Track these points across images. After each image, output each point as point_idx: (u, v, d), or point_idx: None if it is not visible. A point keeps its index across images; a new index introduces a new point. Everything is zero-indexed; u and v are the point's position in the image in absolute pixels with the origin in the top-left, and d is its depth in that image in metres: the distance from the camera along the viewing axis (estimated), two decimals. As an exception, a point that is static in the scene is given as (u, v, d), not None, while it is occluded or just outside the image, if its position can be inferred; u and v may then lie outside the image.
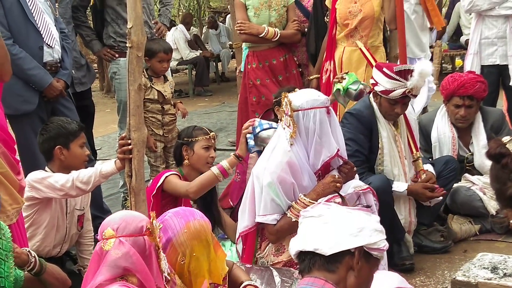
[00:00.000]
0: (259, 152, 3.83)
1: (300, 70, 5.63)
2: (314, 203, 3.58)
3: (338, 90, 4.46)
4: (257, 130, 3.83)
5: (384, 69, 4.20)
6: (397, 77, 4.12)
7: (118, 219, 2.47)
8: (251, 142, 3.82)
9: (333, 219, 2.22)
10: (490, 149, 2.40)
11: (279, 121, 4.45)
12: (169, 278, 2.55)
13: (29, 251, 2.94)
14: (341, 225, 2.20)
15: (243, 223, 3.76)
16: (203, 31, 14.73)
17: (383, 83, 4.18)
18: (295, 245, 2.25)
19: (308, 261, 2.20)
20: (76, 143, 3.97)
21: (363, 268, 2.18)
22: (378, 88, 4.22)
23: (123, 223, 2.44)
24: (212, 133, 4.11)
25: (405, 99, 4.19)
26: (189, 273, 2.73)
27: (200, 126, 4.19)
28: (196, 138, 4.06)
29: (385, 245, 2.22)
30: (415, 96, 4.23)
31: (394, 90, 4.13)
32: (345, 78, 4.43)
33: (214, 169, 3.79)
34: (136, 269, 2.38)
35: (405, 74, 4.11)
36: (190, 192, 3.82)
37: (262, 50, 5.40)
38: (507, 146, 2.36)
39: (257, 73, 5.36)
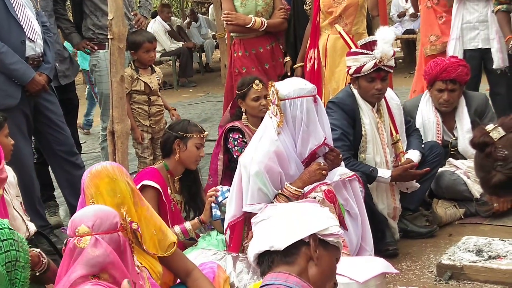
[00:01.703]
0: (223, 220, 3.87)
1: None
2: (300, 191, 3.61)
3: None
4: (220, 199, 3.94)
5: (351, 50, 4.28)
6: (363, 51, 4.16)
7: (91, 215, 2.44)
8: (217, 213, 3.92)
9: (282, 216, 2.22)
10: (474, 138, 2.41)
11: (243, 114, 4.51)
12: (138, 271, 2.55)
13: (39, 252, 2.90)
14: (290, 219, 2.20)
15: (231, 212, 3.77)
16: (183, 24, 14.68)
17: (353, 62, 4.22)
18: (252, 250, 2.24)
19: (267, 260, 2.19)
20: (1, 134, 3.89)
21: (322, 256, 2.17)
22: (351, 71, 4.25)
23: (98, 220, 2.41)
24: (206, 133, 4.11)
25: (380, 72, 4.20)
26: None
27: (194, 123, 4.16)
28: (191, 135, 4.04)
29: (339, 230, 2.22)
30: (391, 68, 4.24)
31: (365, 65, 4.16)
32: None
33: (177, 228, 3.83)
34: (114, 267, 2.36)
35: (370, 45, 4.15)
36: None
37: (249, 38, 5.39)
38: (490, 134, 2.37)
39: (243, 61, 5.35)
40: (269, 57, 5.41)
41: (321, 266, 2.17)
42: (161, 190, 3.86)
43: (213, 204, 3.93)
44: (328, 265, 2.20)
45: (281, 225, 2.19)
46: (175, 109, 5.69)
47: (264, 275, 2.20)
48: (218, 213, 3.93)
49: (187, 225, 3.89)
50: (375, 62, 4.14)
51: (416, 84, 5.82)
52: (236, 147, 4.51)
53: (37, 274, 2.87)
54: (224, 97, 5.64)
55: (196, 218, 3.97)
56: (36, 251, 2.90)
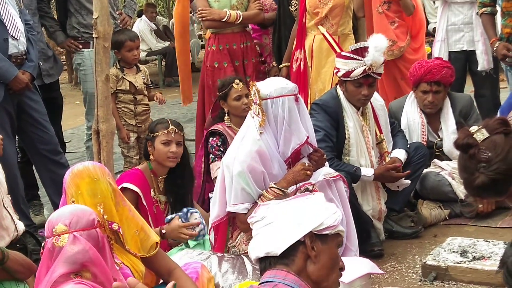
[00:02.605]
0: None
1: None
2: (284, 191, 3.60)
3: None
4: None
5: (342, 53, 4.27)
6: (354, 56, 4.15)
7: (68, 213, 2.44)
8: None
9: (274, 217, 2.21)
10: (458, 139, 2.41)
11: (226, 115, 4.49)
12: (117, 268, 2.55)
13: None
14: (282, 221, 2.19)
15: (215, 213, 3.77)
16: (169, 24, 14.64)
17: (343, 66, 4.22)
18: (251, 253, 2.26)
19: (265, 263, 2.20)
20: None
21: (321, 251, 2.17)
22: (340, 74, 4.25)
23: (75, 218, 2.42)
24: (171, 127, 4.01)
25: (368, 79, 4.20)
26: None
27: (166, 119, 4.11)
28: (157, 133, 4.00)
29: (335, 219, 2.20)
30: (379, 74, 4.24)
31: (354, 70, 4.15)
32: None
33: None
34: (93, 263, 2.36)
35: (361, 51, 4.15)
36: None
37: (225, 33, 5.34)
38: (474, 136, 2.37)
39: (216, 56, 5.31)
40: (241, 55, 5.35)
41: (320, 261, 2.17)
42: (140, 194, 3.83)
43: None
44: (329, 258, 2.19)
45: (275, 228, 2.19)
46: (160, 93, 5.68)
47: (263, 273, 2.21)
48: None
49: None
50: (365, 68, 4.14)
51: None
52: (211, 155, 4.47)
53: None
54: (199, 92, 5.55)
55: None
56: None
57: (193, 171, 4.24)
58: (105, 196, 2.80)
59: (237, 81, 4.55)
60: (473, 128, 2.39)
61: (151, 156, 3.99)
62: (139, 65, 5.52)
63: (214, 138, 4.46)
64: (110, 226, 2.74)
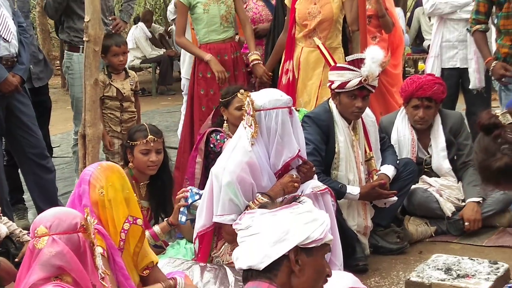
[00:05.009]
0: (192, 221, 3.88)
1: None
2: (272, 199, 3.57)
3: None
4: (190, 201, 3.91)
5: (338, 64, 4.27)
6: (350, 67, 4.15)
7: (51, 216, 2.43)
8: (182, 218, 3.89)
9: (259, 229, 2.18)
10: (482, 119, 2.38)
11: (224, 122, 4.48)
12: (103, 275, 2.52)
13: None
14: (267, 234, 2.15)
15: (201, 222, 3.74)
16: (166, 32, 14.63)
17: (338, 77, 4.20)
18: (236, 262, 2.24)
19: (247, 274, 2.18)
20: None
21: (306, 264, 2.13)
22: (334, 86, 4.23)
23: (56, 221, 2.40)
24: (150, 137, 3.98)
25: (363, 91, 4.19)
26: (110, 204, 2.87)
27: (145, 126, 4.08)
28: (136, 142, 3.97)
29: (322, 231, 2.16)
30: (373, 87, 4.24)
31: (350, 81, 4.15)
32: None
33: (146, 233, 3.76)
34: (70, 267, 2.34)
35: (358, 62, 4.14)
36: None
37: (216, 43, 5.33)
38: (499, 118, 2.35)
39: (208, 66, 5.30)
40: (232, 65, 5.34)
41: (305, 275, 2.14)
42: None
43: (181, 209, 3.88)
44: (314, 270, 2.17)
45: (259, 241, 2.15)
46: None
47: (245, 282, 2.19)
48: (184, 218, 3.88)
49: (156, 228, 3.85)
50: (361, 79, 4.13)
51: None
52: (218, 140, 4.43)
53: None
54: (188, 100, 5.53)
55: (165, 220, 3.92)
56: None
57: (172, 175, 4.23)
58: (131, 191, 2.96)
59: (242, 90, 4.55)
60: (498, 111, 2.37)
61: (130, 164, 3.97)
62: (128, 70, 5.50)
63: (218, 134, 4.45)
64: (135, 222, 2.90)
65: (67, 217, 2.43)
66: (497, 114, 2.35)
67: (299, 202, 2.29)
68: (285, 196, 3.60)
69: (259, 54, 5.38)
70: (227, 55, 5.32)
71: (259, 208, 2.30)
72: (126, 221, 2.89)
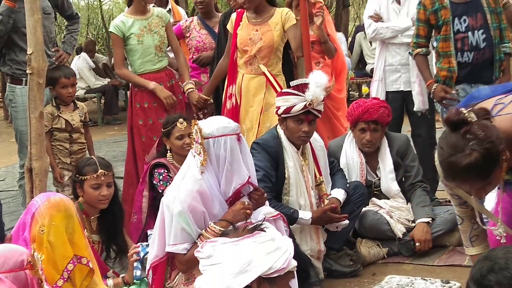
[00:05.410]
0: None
1: None
2: (232, 226, 3.54)
3: None
4: (142, 254, 3.85)
5: (282, 90, 4.34)
6: (295, 92, 4.20)
7: None
8: (137, 273, 3.82)
9: (221, 259, 2.16)
10: (450, 116, 2.40)
11: (168, 152, 4.47)
12: None
13: None
14: (229, 265, 2.14)
15: (153, 253, 3.68)
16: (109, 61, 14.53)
17: (283, 102, 4.25)
18: None
19: None
20: None
21: None
22: (280, 111, 4.27)
23: (2, 258, 2.35)
24: (100, 171, 3.91)
25: (309, 115, 4.23)
26: (49, 244, 2.80)
27: (94, 160, 4.00)
28: (85, 177, 3.89)
29: (285, 260, 2.15)
30: (319, 112, 4.27)
31: (295, 105, 4.19)
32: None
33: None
34: None
35: (302, 87, 4.19)
36: None
37: (151, 73, 5.32)
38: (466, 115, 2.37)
39: (145, 96, 5.28)
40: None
41: None
42: None
43: (135, 264, 3.82)
44: None
45: (221, 272, 2.12)
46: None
47: None
48: (139, 272, 3.82)
49: (109, 283, 3.76)
50: (305, 104, 4.17)
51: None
52: (161, 182, 4.45)
53: None
54: (128, 131, 5.49)
55: (120, 277, 3.85)
56: None
57: (122, 206, 4.17)
58: (77, 230, 2.90)
59: (181, 120, 4.56)
60: (463, 109, 2.39)
61: (81, 198, 3.89)
62: (77, 102, 5.44)
63: (160, 169, 4.46)
64: (79, 261, 2.83)
65: (12, 255, 2.38)
66: (464, 112, 2.38)
67: (261, 228, 2.28)
68: (236, 224, 3.59)
69: (193, 83, 5.41)
70: (163, 84, 5.32)
71: (220, 236, 2.27)
72: (71, 261, 2.85)
